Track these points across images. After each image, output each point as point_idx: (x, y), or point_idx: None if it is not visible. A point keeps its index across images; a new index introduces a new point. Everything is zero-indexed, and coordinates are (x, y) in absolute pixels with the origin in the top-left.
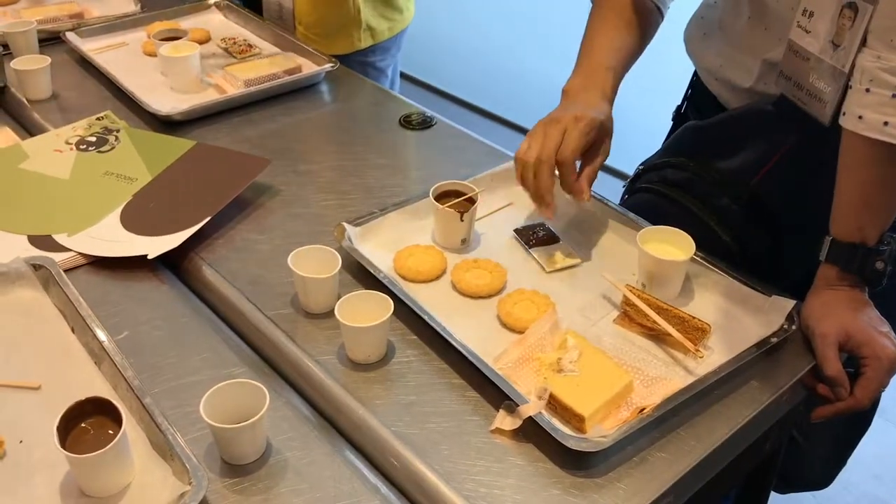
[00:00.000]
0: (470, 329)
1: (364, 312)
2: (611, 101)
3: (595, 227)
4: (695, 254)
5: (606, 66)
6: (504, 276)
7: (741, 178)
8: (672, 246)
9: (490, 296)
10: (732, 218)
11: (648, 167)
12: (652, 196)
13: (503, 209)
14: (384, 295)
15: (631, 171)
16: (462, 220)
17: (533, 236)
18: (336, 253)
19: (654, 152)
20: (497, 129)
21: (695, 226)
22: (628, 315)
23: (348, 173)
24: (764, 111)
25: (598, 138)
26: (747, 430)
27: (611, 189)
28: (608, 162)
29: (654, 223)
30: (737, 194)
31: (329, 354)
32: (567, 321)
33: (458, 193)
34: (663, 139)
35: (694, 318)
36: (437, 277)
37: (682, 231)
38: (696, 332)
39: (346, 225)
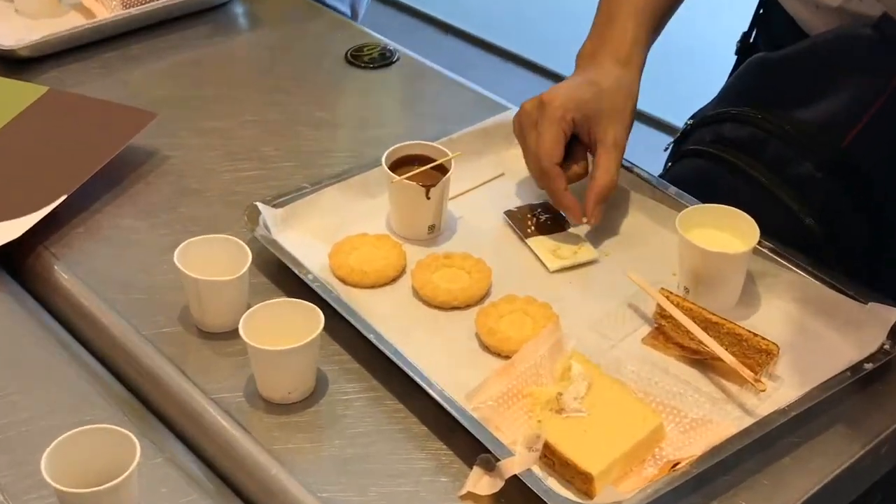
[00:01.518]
0: (436, 353)
1: (284, 330)
2: (629, 63)
3: (621, 206)
4: (760, 243)
5: (626, 14)
6: (488, 278)
7: (829, 135)
8: (728, 232)
9: (467, 305)
10: (817, 191)
11: (700, 121)
12: (704, 162)
13: (490, 182)
14: (313, 305)
15: (681, 124)
16: (429, 198)
17: (532, 221)
18: (245, 246)
19: (711, 100)
20: (501, 69)
21: (763, 203)
22: (663, 332)
23: (271, 132)
24: (860, 38)
25: (591, 123)
26: (832, 494)
27: (650, 150)
28: (648, 109)
29: (706, 200)
30: (823, 158)
31: (233, 391)
32: (575, 340)
33: (424, 160)
34: (724, 81)
35: (756, 335)
36: (393, 280)
37: (741, 211)
38: (759, 354)
39: (261, 206)
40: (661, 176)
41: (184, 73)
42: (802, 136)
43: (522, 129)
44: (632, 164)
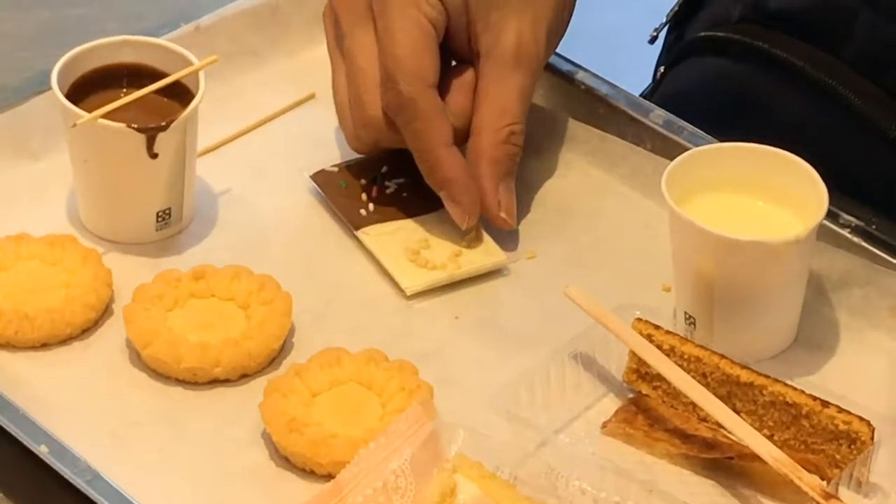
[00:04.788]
0: (181, 475)
1: None
2: None
3: (557, 156)
4: (833, 217)
5: None
6: (286, 317)
7: None
8: (768, 200)
9: (243, 375)
10: None
11: None
12: (728, 63)
13: (285, 115)
14: None
15: None
16: (154, 155)
17: (370, 193)
18: None
19: None
20: None
21: (846, 140)
22: (643, 408)
23: None
24: None
25: (474, 12)
26: None
27: (621, 39)
28: None
29: (731, 136)
30: None
31: None
32: (464, 435)
33: (143, 74)
34: None
35: (829, 405)
36: (86, 330)
37: (794, 156)
38: (835, 443)
39: None
40: (644, 94)
41: None
42: None
43: (342, 24)
44: (582, 69)
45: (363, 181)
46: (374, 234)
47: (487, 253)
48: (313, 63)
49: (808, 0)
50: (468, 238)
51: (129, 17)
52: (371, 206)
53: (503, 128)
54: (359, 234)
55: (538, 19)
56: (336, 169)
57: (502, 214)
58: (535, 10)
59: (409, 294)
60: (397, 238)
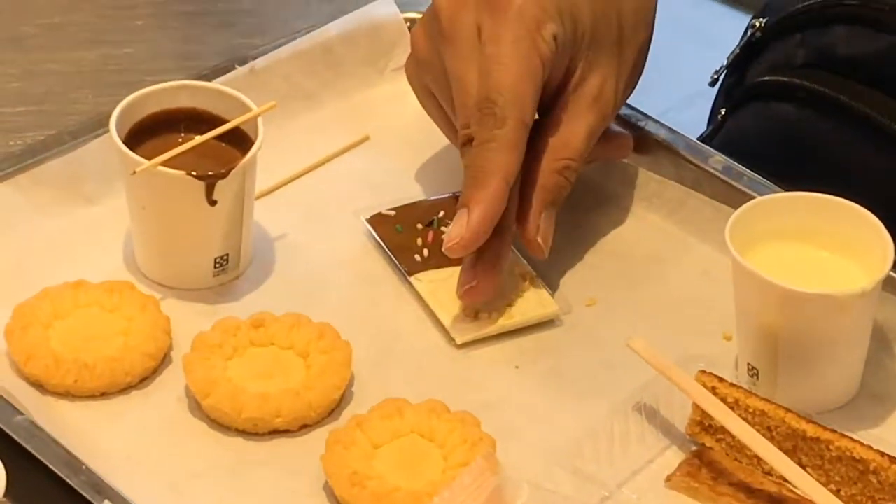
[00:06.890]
0: None
1: None
2: None
3: (614, 201)
4: None
5: None
6: (346, 367)
7: None
8: (834, 251)
9: (303, 426)
10: None
11: (783, 22)
12: (792, 108)
13: (340, 157)
14: None
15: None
16: (213, 202)
17: (425, 237)
18: None
19: None
20: None
21: None
22: (707, 461)
23: None
24: None
25: (576, 49)
26: None
27: (682, 84)
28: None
29: (797, 185)
30: None
31: None
32: (529, 490)
33: (201, 120)
34: None
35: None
36: (145, 378)
37: (861, 208)
38: None
39: None
40: (703, 137)
41: None
42: None
43: (444, 53)
44: (641, 113)
45: (419, 226)
46: (427, 281)
47: (540, 304)
48: (367, 105)
49: (878, 46)
50: (528, 284)
51: (178, 56)
52: (426, 251)
53: (561, 159)
54: (412, 279)
55: (622, 70)
56: (393, 213)
57: (538, 239)
58: (621, 61)
59: (458, 343)
60: (450, 285)
